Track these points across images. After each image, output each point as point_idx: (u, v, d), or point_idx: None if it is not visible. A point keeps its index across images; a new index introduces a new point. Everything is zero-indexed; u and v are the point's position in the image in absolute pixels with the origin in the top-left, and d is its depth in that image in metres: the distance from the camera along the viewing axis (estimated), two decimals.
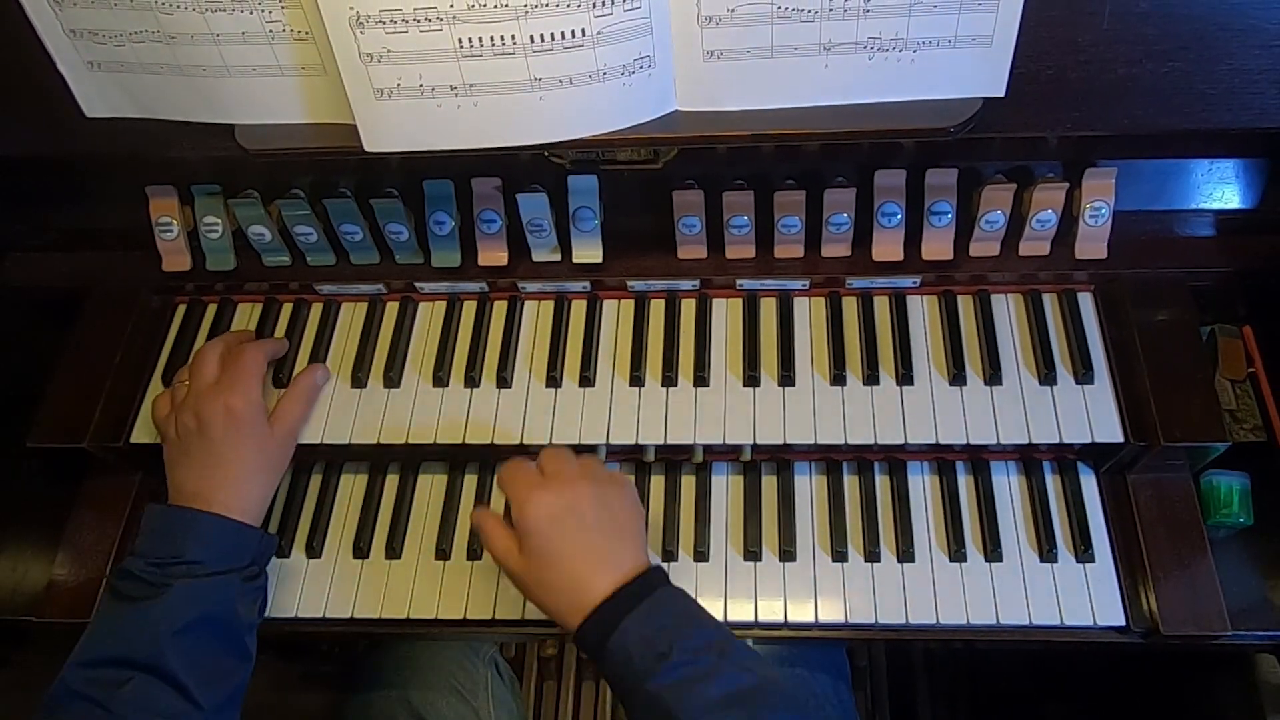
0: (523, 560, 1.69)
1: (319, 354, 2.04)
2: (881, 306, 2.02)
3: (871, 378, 1.93)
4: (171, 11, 1.57)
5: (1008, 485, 1.95)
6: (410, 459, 2.06)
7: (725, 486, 2.01)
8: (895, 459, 1.99)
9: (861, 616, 1.85)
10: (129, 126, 1.76)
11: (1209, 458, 1.83)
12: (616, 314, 2.06)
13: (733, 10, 1.54)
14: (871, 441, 1.88)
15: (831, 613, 1.86)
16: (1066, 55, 1.60)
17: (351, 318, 2.11)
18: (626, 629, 1.57)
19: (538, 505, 1.67)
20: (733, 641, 1.61)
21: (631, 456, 2.02)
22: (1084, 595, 1.83)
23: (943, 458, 1.98)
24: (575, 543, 1.67)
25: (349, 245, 2.03)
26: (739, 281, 2.03)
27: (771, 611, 1.87)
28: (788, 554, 1.91)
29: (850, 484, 1.98)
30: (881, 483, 1.98)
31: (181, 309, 2.14)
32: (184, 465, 1.81)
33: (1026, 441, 1.86)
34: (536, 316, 2.06)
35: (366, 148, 1.65)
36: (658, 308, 2.05)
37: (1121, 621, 1.80)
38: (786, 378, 1.94)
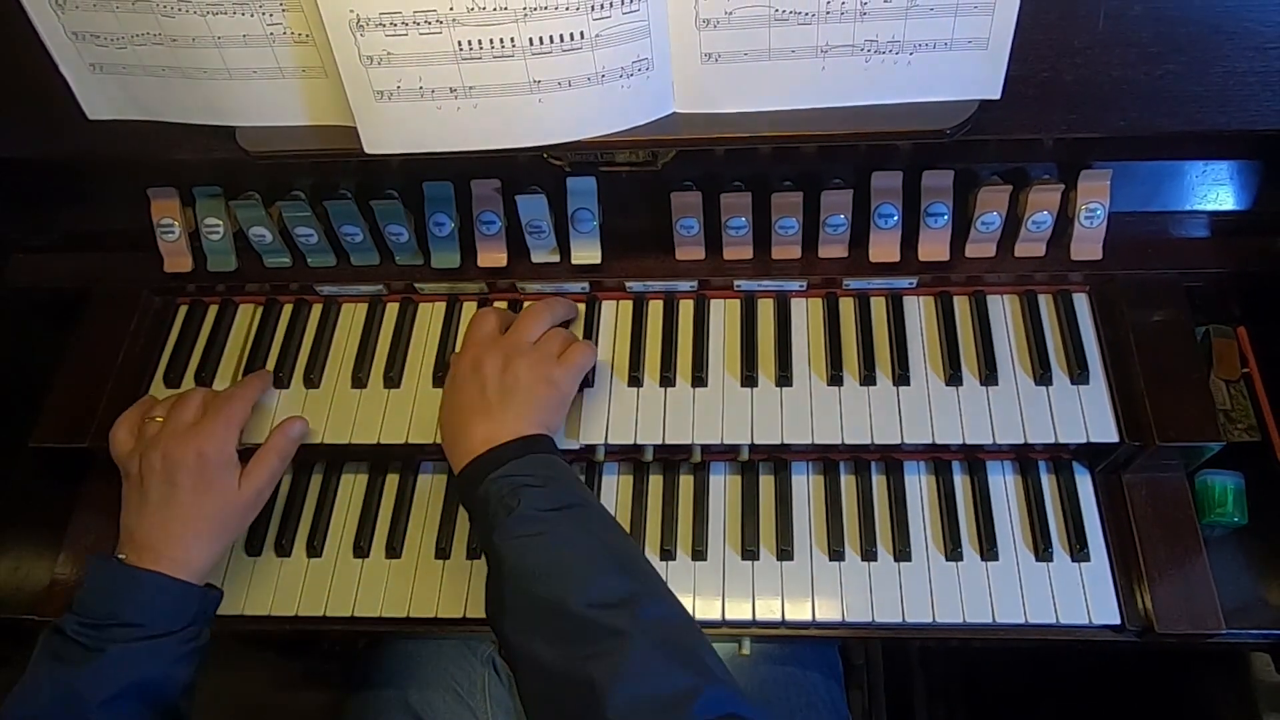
0: (442, 405, 1.84)
1: (320, 354, 2.05)
2: (878, 307, 2.02)
3: (868, 378, 1.93)
4: (173, 14, 1.57)
5: (1004, 485, 1.96)
6: (410, 459, 2.06)
7: (723, 486, 2.01)
8: (892, 459, 1.99)
9: (858, 615, 1.85)
10: (131, 129, 1.76)
11: (1203, 457, 1.83)
12: (615, 315, 2.06)
13: (730, 13, 1.54)
14: (868, 441, 1.88)
15: (828, 611, 1.86)
16: (1062, 58, 1.60)
17: (352, 318, 2.11)
18: (490, 481, 1.63)
19: (466, 356, 1.84)
20: (589, 510, 1.66)
21: (630, 456, 2.02)
22: (1079, 594, 1.83)
23: (939, 457, 1.98)
24: (480, 396, 1.77)
25: (349, 246, 2.03)
26: (737, 282, 2.03)
27: (769, 610, 1.87)
28: (785, 553, 1.91)
29: (847, 484, 1.98)
30: (878, 482, 1.98)
31: (183, 309, 2.14)
32: (140, 511, 1.75)
33: (1022, 441, 1.86)
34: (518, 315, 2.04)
35: (367, 149, 1.65)
36: (656, 308, 2.05)
37: (1117, 620, 1.80)
38: (784, 378, 1.94)
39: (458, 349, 2.01)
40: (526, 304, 1.98)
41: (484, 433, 1.71)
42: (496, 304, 2.08)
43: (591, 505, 1.67)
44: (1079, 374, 1.89)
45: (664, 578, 1.62)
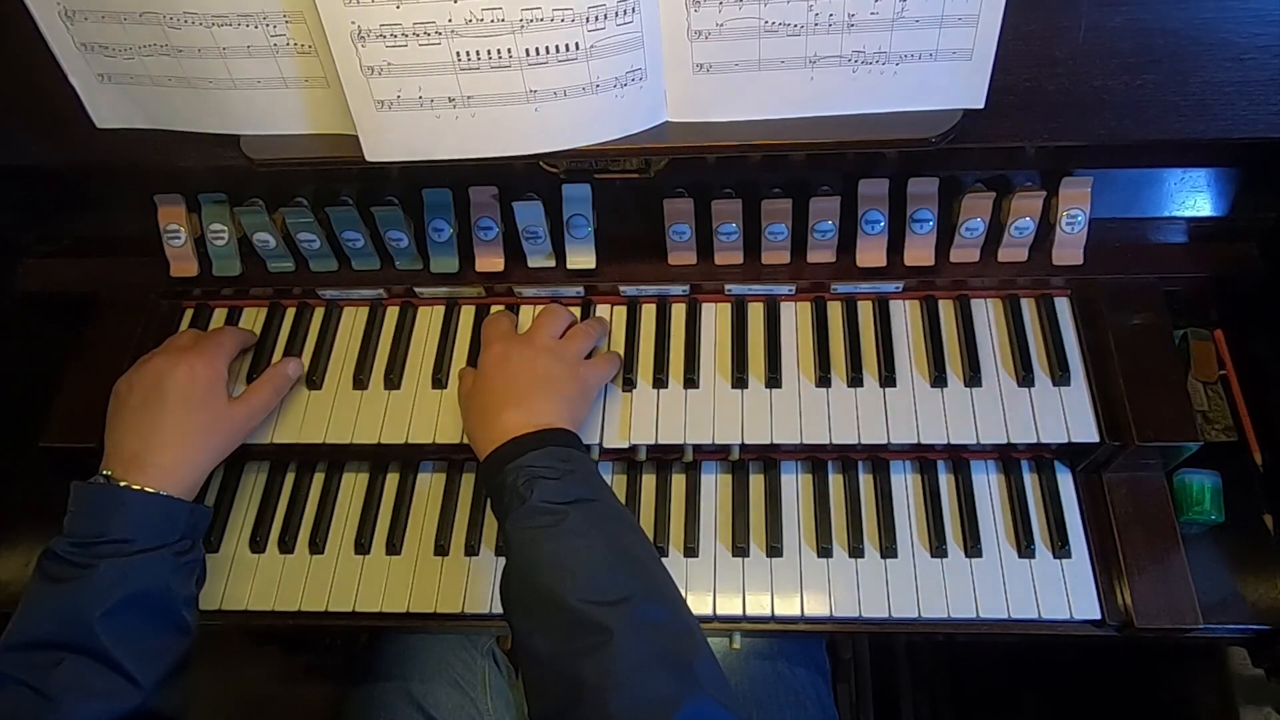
0: (472, 398, 1.83)
1: (321, 356, 2.04)
2: (865, 311, 2.02)
3: (855, 380, 1.93)
4: (179, 26, 1.57)
5: (987, 484, 1.96)
6: (410, 458, 2.06)
7: (714, 485, 2.01)
8: (878, 458, 1.99)
9: (846, 610, 1.86)
10: (138, 137, 1.76)
11: (1181, 457, 1.83)
12: (609, 318, 2.06)
13: (721, 25, 1.54)
14: (855, 441, 1.88)
15: (817, 606, 1.86)
16: (1044, 68, 1.60)
17: (353, 321, 2.10)
18: (509, 470, 1.64)
19: (493, 349, 1.86)
20: (601, 505, 1.66)
21: (624, 456, 2.01)
22: (1061, 590, 1.83)
23: (924, 457, 1.98)
24: (506, 387, 1.79)
25: (351, 252, 2.03)
26: (727, 287, 2.03)
27: (759, 605, 1.87)
28: (774, 550, 1.91)
29: (835, 482, 1.98)
30: (865, 481, 1.98)
31: (189, 313, 2.13)
32: (129, 423, 1.77)
33: (1005, 441, 1.86)
34: (532, 321, 2.04)
35: (367, 157, 1.65)
36: (649, 312, 2.05)
37: (1097, 615, 1.81)
38: (773, 380, 1.94)
39: (457, 351, 2.02)
40: (543, 307, 2.00)
41: (509, 422, 1.72)
42: (494, 308, 2.08)
43: (606, 501, 1.67)
44: (1060, 376, 1.89)
45: None
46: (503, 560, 1.85)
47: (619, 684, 1.34)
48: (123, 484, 1.67)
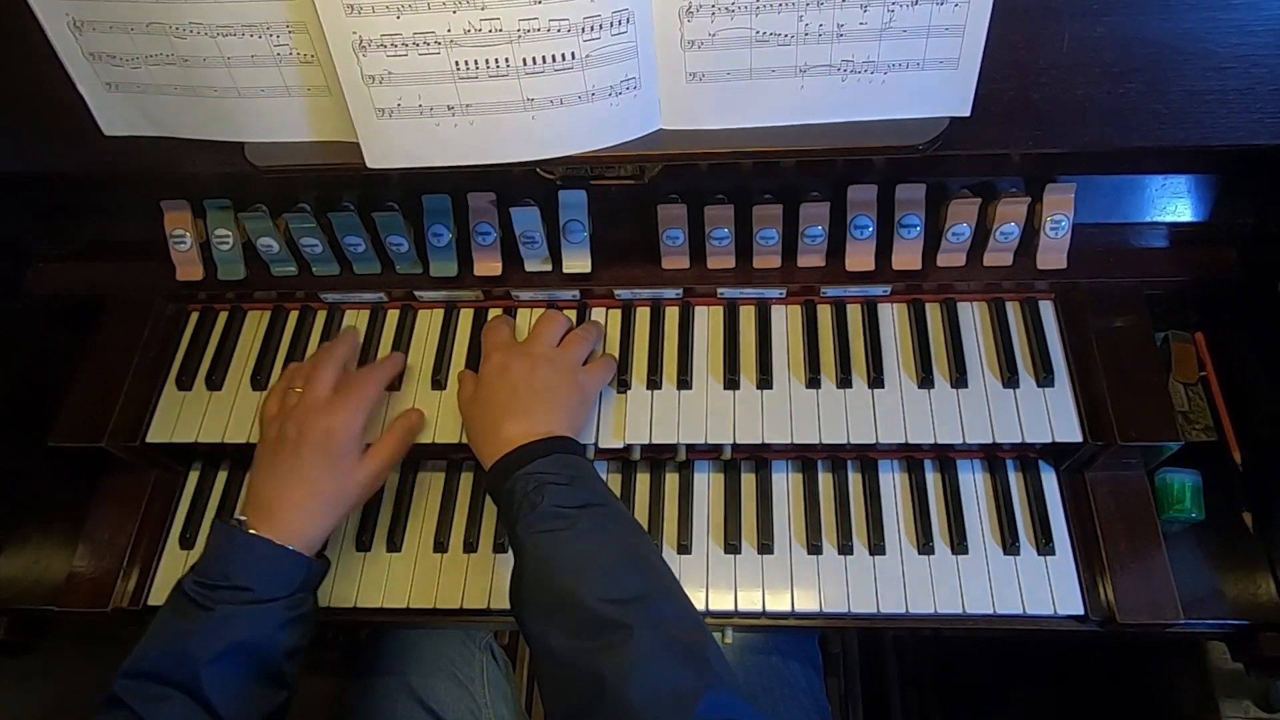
0: (473, 405, 1.84)
1: None
2: (854, 314, 2.02)
3: (844, 381, 1.93)
4: (185, 36, 1.57)
5: (973, 482, 1.96)
6: (410, 458, 2.05)
7: (707, 484, 2.01)
8: (867, 457, 1.99)
9: (835, 606, 1.86)
10: (145, 144, 1.76)
11: (1162, 456, 1.83)
12: (604, 321, 2.06)
13: (714, 35, 1.54)
14: (844, 441, 1.88)
15: (807, 602, 1.86)
16: (1028, 77, 1.60)
17: (354, 324, 2.10)
18: (517, 478, 1.65)
19: (493, 360, 1.86)
20: (609, 509, 1.67)
21: (619, 456, 2.01)
22: (1045, 586, 1.83)
23: (912, 456, 1.98)
24: (508, 397, 1.80)
25: (352, 256, 2.02)
26: (720, 290, 2.03)
27: (750, 601, 1.87)
28: (765, 547, 1.91)
29: (824, 481, 1.98)
30: (854, 480, 1.98)
31: (194, 316, 2.14)
32: (268, 471, 1.77)
33: (990, 441, 1.86)
34: (529, 323, 2.04)
35: (369, 164, 1.65)
36: (643, 315, 2.06)
37: (1080, 610, 1.81)
38: (764, 381, 1.94)
39: (456, 353, 2.03)
40: (541, 313, 2.00)
41: (514, 431, 1.73)
42: (493, 311, 2.09)
43: (612, 505, 1.68)
44: (1045, 377, 1.89)
45: None
46: (500, 557, 1.86)
47: (640, 679, 1.35)
48: (252, 532, 1.68)
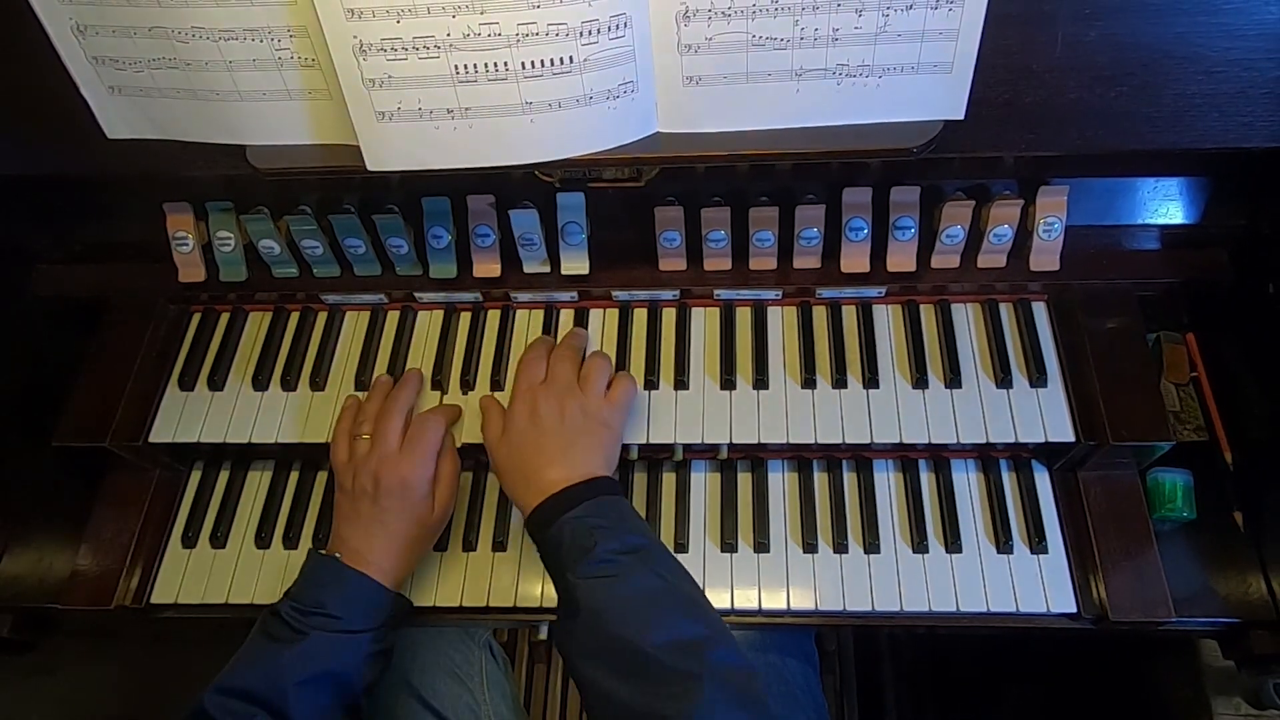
0: (502, 446, 1.82)
1: (324, 360, 2.05)
2: (849, 315, 2.02)
3: (840, 381, 1.93)
4: (188, 40, 1.57)
5: (967, 482, 1.96)
6: None
7: (703, 483, 2.01)
8: (862, 457, 1.99)
9: (831, 604, 1.86)
10: (148, 147, 1.76)
11: (1154, 456, 1.83)
12: (602, 322, 2.06)
13: (710, 39, 1.54)
14: (840, 441, 1.88)
15: (803, 600, 1.87)
16: (1021, 81, 1.60)
17: (355, 326, 2.11)
18: (563, 523, 1.65)
19: (524, 402, 1.83)
20: (656, 551, 1.66)
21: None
22: (1038, 584, 1.83)
23: (906, 456, 1.98)
24: (542, 441, 1.78)
25: (353, 258, 2.03)
26: (716, 292, 2.04)
27: (747, 599, 1.87)
28: (762, 546, 1.91)
29: (820, 481, 1.98)
30: (849, 479, 1.98)
31: (196, 317, 2.14)
32: (352, 521, 1.81)
33: (984, 441, 1.86)
34: (528, 325, 2.06)
35: (369, 167, 1.65)
36: (640, 316, 2.06)
37: (1073, 608, 1.81)
38: (760, 381, 1.94)
39: (455, 354, 2.03)
40: (557, 346, 1.96)
41: (554, 476, 1.72)
42: (491, 312, 2.09)
43: (656, 546, 1.68)
44: (1038, 378, 1.89)
45: None
46: (499, 555, 1.87)
47: None
48: (349, 565, 1.72)
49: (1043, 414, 1.87)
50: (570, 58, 1.52)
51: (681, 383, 1.96)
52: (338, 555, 1.75)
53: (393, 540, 1.78)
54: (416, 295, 2.09)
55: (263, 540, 2.00)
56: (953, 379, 1.91)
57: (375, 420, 1.88)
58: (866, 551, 1.90)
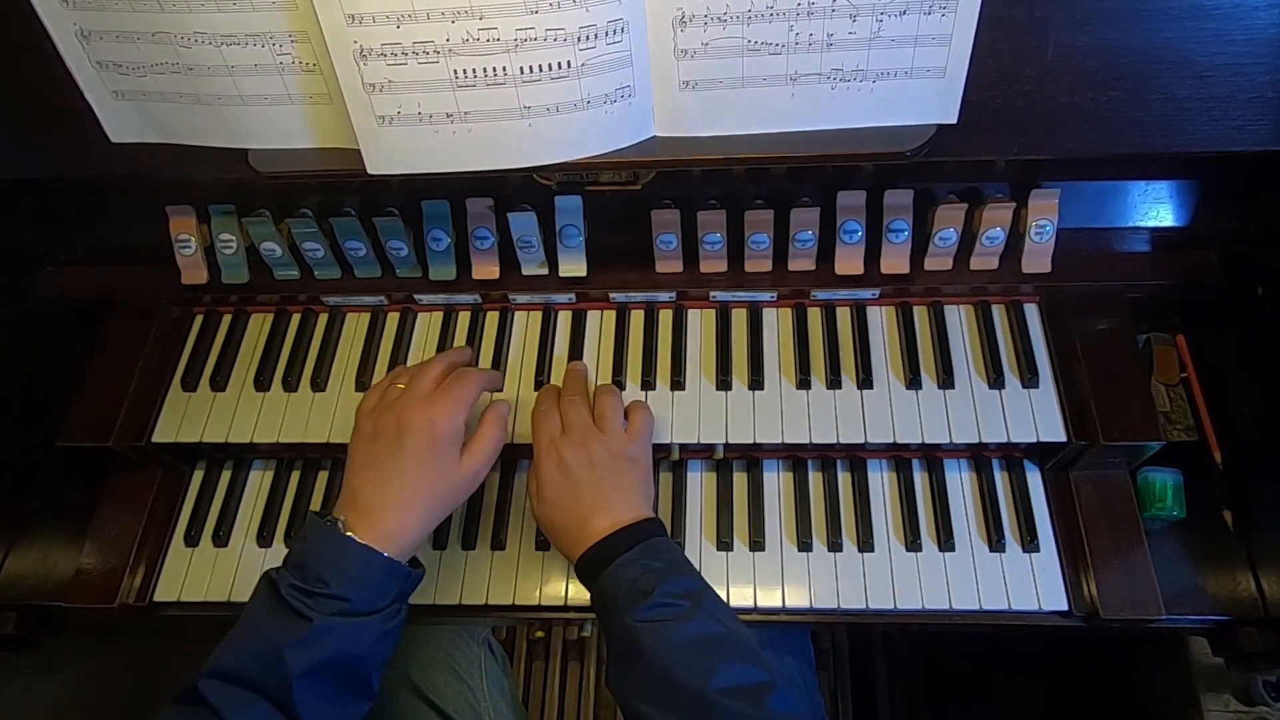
0: (541, 508, 1.76)
1: (325, 360, 2.05)
2: (843, 316, 2.03)
3: (834, 382, 1.93)
4: (190, 45, 1.57)
5: (960, 481, 1.96)
6: None
7: (699, 483, 2.02)
8: (856, 457, 1.99)
9: (825, 602, 1.86)
10: (151, 151, 1.75)
11: (1145, 455, 1.83)
12: (600, 324, 2.07)
13: (706, 44, 1.54)
14: (834, 441, 1.88)
15: (797, 598, 1.87)
16: (1013, 85, 1.60)
17: (356, 327, 2.11)
18: (618, 567, 1.62)
19: (549, 458, 1.77)
20: (710, 594, 1.63)
21: None
22: (1030, 582, 1.83)
23: (900, 456, 1.99)
24: (579, 493, 1.73)
25: (353, 260, 2.03)
26: (712, 293, 2.04)
27: (742, 597, 1.88)
28: (757, 544, 1.92)
29: (814, 480, 1.99)
30: (843, 479, 1.98)
31: (199, 319, 2.14)
32: (366, 469, 1.68)
33: (977, 441, 1.86)
34: (526, 326, 2.07)
35: (369, 170, 1.65)
36: (637, 318, 2.06)
37: (1065, 606, 1.81)
38: (756, 382, 1.94)
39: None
40: (563, 391, 1.90)
41: (599, 525, 1.69)
42: (490, 314, 2.10)
43: (708, 588, 1.66)
44: (1030, 379, 1.89)
45: None
46: (498, 554, 1.85)
47: None
48: (350, 535, 1.59)
49: (1034, 414, 1.87)
50: (568, 63, 1.52)
51: (678, 383, 1.97)
52: (342, 521, 1.61)
53: (410, 491, 1.65)
54: (416, 297, 2.09)
55: (264, 539, 2.01)
56: (946, 380, 1.91)
57: (415, 369, 1.81)
58: (860, 550, 1.90)
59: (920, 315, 2.02)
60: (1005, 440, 1.86)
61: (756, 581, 1.89)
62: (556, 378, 2.00)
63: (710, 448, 1.96)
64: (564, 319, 2.08)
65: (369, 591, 1.56)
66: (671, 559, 1.66)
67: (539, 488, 1.77)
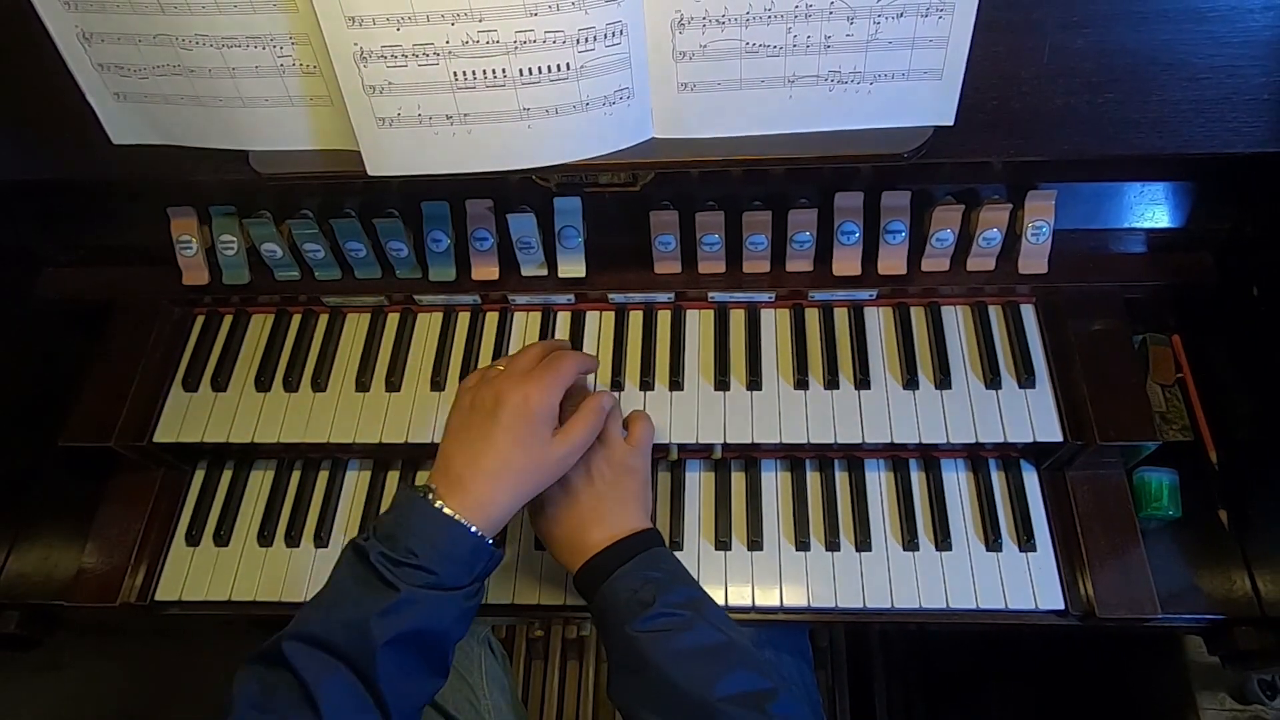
0: (540, 520, 1.78)
1: (326, 361, 2.05)
2: (841, 317, 2.03)
3: (832, 382, 1.93)
4: (191, 48, 1.57)
5: (956, 481, 1.96)
6: (411, 458, 2.07)
7: (698, 482, 2.01)
8: (854, 457, 1.99)
9: (823, 601, 1.86)
10: (152, 152, 1.76)
11: (1140, 455, 1.83)
12: (599, 324, 2.07)
13: (705, 46, 1.54)
14: (832, 441, 1.88)
15: (795, 597, 1.87)
16: (1010, 87, 1.60)
17: (356, 328, 2.11)
18: (617, 577, 1.62)
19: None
20: (710, 603, 1.63)
21: None
22: (1026, 581, 1.83)
23: (897, 455, 1.99)
24: (577, 505, 1.74)
25: (353, 261, 2.03)
26: (710, 294, 2.04)
27: (740, 596, 1.88)
28: (755, 544, 1.91)
29: (812, 480, 1.98)
30: (841, 479, 1.98)
31: (200, 319, 2.14)
32: (461, 439, 1.68)
33: (974, 441, 1.87)
34: (525, 327, 2.07)
35: (370, 172, 1.66)
36: (636, 318, 2.06)
37: (1061, 605, 1.81)
38: (754, 382, 1.95)
39: (454, 356, 2.04)
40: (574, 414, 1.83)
41: (596, 537, 1.70)
42: (489, 314, 2.10)
43: (707, 597, 1.66)
44: (1026, 379, 1.89)
45: None
46: (497, 553, 1.85)
47: None
48: (442, 506, 1.59)
49: (1031, 414, 1.87)
50: (567, 64, 1.52)
51: (676, 384, 1.97)
52: (433, 490, 1.60)
53: (501, 464, 1.63)
54: (416, 297, 2.09)
55: (265, 538, 2.00)
56: (943, 380, 1.91)
57: (516, 353, 1.82)
58: (858, 550, 1.90)
59: (917, 316, 2.02)
60: (1002, 440, 1.86)
61: (755, 581, 1.89)
62: None
63: (708, 448, 1.96)
64: (563, 319, 2.09)
65: (455, 567, 1.56)
66: (671, 569, 1.67)
67: (539, 499, 1.77)
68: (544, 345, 1.82)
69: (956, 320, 2.01)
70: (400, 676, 1.50)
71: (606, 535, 1.69)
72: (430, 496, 1.59)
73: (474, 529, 1.57)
